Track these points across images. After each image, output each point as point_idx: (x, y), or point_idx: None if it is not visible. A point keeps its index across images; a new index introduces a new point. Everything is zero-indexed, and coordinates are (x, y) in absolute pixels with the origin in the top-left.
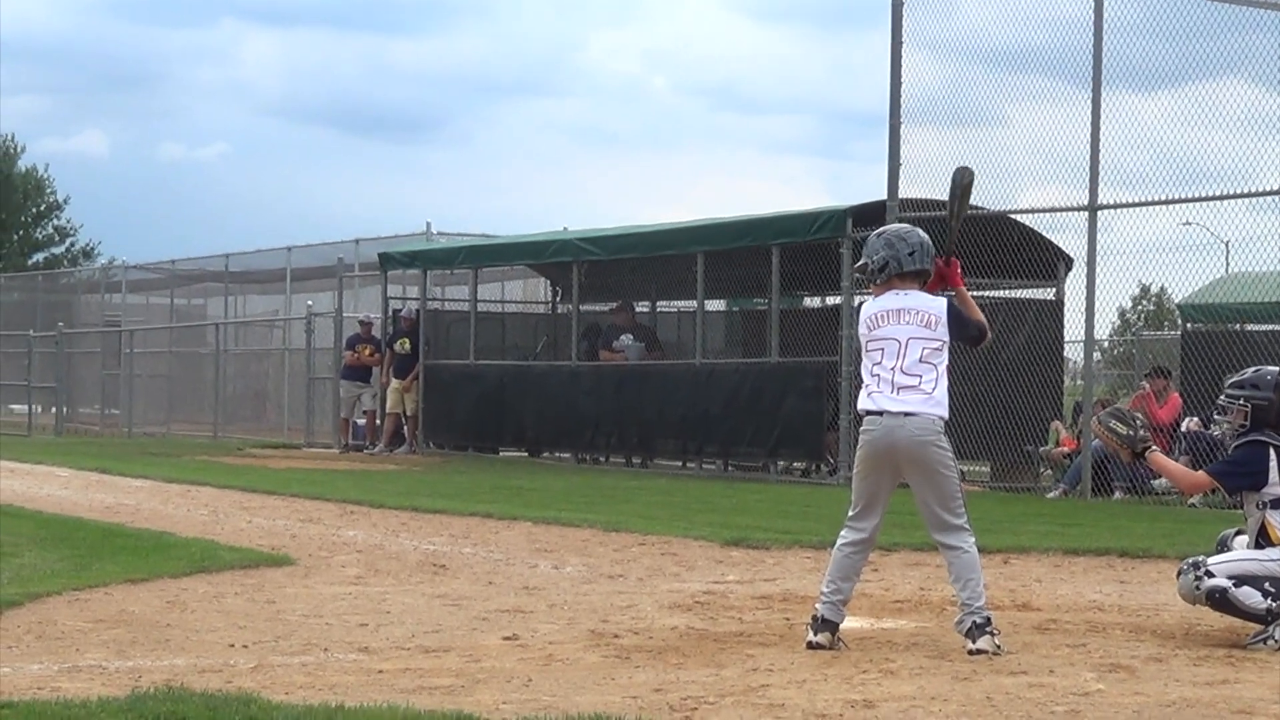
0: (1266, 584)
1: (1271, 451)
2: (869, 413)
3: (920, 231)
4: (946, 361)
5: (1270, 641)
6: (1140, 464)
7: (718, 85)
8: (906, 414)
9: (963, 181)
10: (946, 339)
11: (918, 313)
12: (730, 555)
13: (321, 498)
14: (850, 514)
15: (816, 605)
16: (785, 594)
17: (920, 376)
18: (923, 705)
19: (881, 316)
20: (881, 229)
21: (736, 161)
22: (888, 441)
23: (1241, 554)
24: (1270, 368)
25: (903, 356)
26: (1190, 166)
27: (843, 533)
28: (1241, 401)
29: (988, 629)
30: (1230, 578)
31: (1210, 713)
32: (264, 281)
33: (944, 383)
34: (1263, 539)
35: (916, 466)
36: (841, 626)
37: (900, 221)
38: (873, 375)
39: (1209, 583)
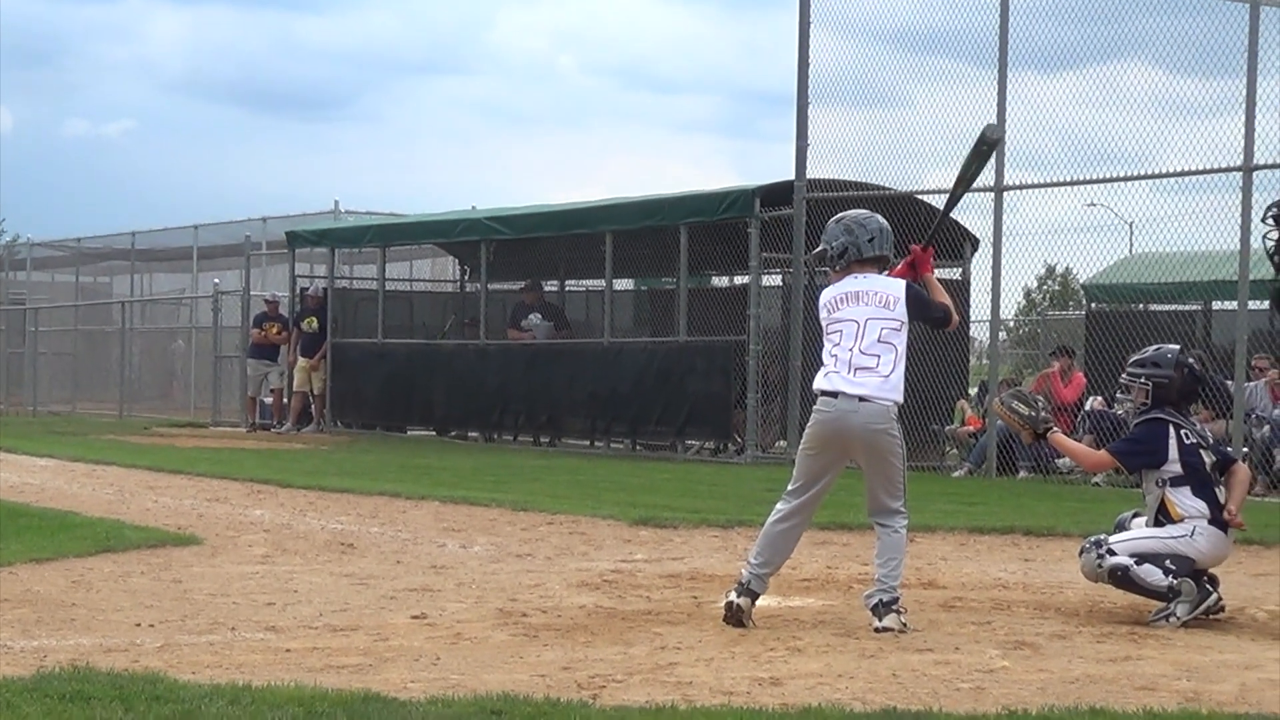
0: (1168, 561)
1: (1171, 429)
2: (824, 393)
3: (879, 218)
4: (906, 342)
5: (1172, 619)
6: (1042, 444)
7: (626, 65)
8: (861, 398)
9: (991, 138)
10: (905, 319)
11: (875, 294)
12: (638, 534)
13: (228, 477)
14: (790, 488)
15: (743, 570)
16: (693, 572)
17: (879, 358)
18: (829, 682)
19: (840, 300)
20: (840, 215)
21: (645, 140)
22: (840, 425)
23: (1142, 531)
24: (1170, 346)
25: (861, 337)
26: (1094, 148)
27: (778, 506)
28: (1143, 380)
29: (894, 607)
30: (1132, 555)
31: (1113, 689)
32: (171, 260)
33: (901, 365)
34: (1163, 516)
35: (867, 452)
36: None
37: (808, 201)
38: (831, 356)
39: (1110, 561)
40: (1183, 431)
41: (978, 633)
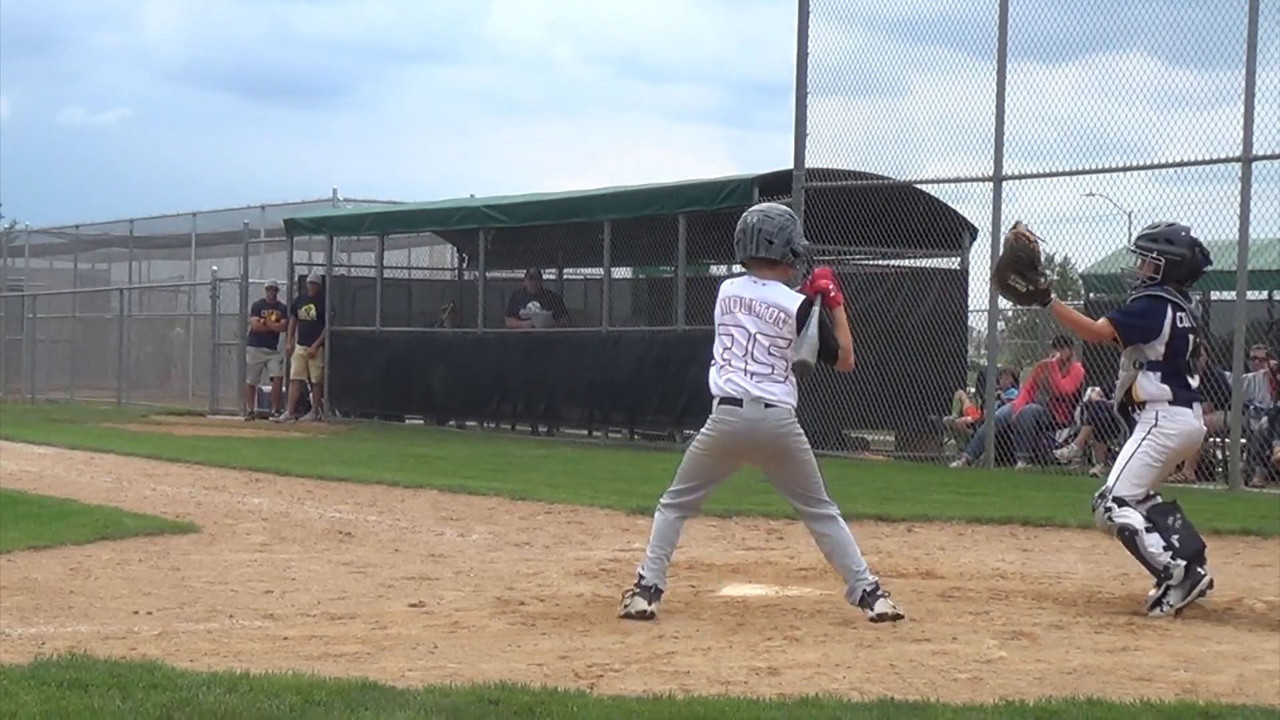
0: (1172, 519)
1: (1169, 309)
2: (727, 399)
3: (787, 215)
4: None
5: (1166, 607)
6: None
7: (622, 54)
8: (766, 404)
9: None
10: (794, 336)
11: (768, 307)
12: (636, 523)
13: (227, 465)
14: (677, 488)
15: (644, 573)
16: (690, 562)
17: (772, 367)
18: (827, 672)
19: (734, 303)
20: (755, 207)
21: (642, 129)
22: (749, 434)
23: (1123, 456)
24: (1181, 224)
25: (752, 347)
26: (1093, 138)
27: (669, 506)
28: (1155, 255)
29: (879, 593)
30: (1135, 504)
31: (1110, 679)
32: (169, 247)
33: (791, 374)
34: (1127, 399)
35: (778, 457)
36: (744, 594)
37: (807, 191)
38: (725, 359)
39: (1121, 519)
40: (1180, 314)
41: (975, 623)
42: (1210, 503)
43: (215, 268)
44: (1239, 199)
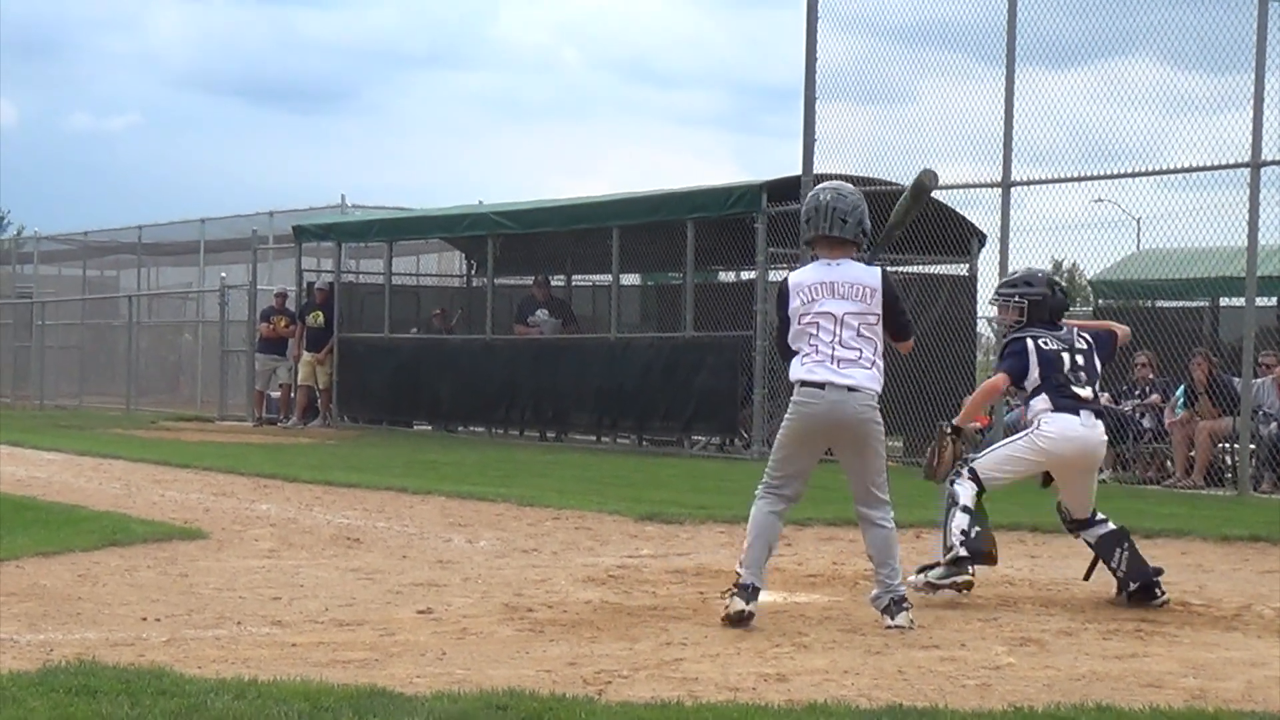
0: (976, 530)
1: (1029, 341)
2: (809, 383)
3: (858, 194)
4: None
5: (923, 575)
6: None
7: (629, 58)
8: (850, 388)
9: (927, 185)
10: (880, 311)
11: (851, 286)
12: (644, 529)
13: (235, 471)
14: (773, 481)
15: (741, 571)
16: (699, 568)
17: (860, 350)
18: (835, 679)
19: (815, 290)
20: (824, 184)
21: (649, 134)
22: (833, 416)
23: (998, 444)
24: (1036, 267)
25: (840, 330)
26: (1102, 143)
27: (766, 500)
28: (1017, 299)
29: (904, 605)
30: (977, 480)
31: (1119, 686)
32: (177, 253)
33: (881, 355)
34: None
35: (855, 442)
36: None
37: None
38: (811, 346)
39: (955, 486)
40: (1040, 340)
41: (984, 629)
42: (1219, 508)
43: (224, 274)
44: (1248, 205)
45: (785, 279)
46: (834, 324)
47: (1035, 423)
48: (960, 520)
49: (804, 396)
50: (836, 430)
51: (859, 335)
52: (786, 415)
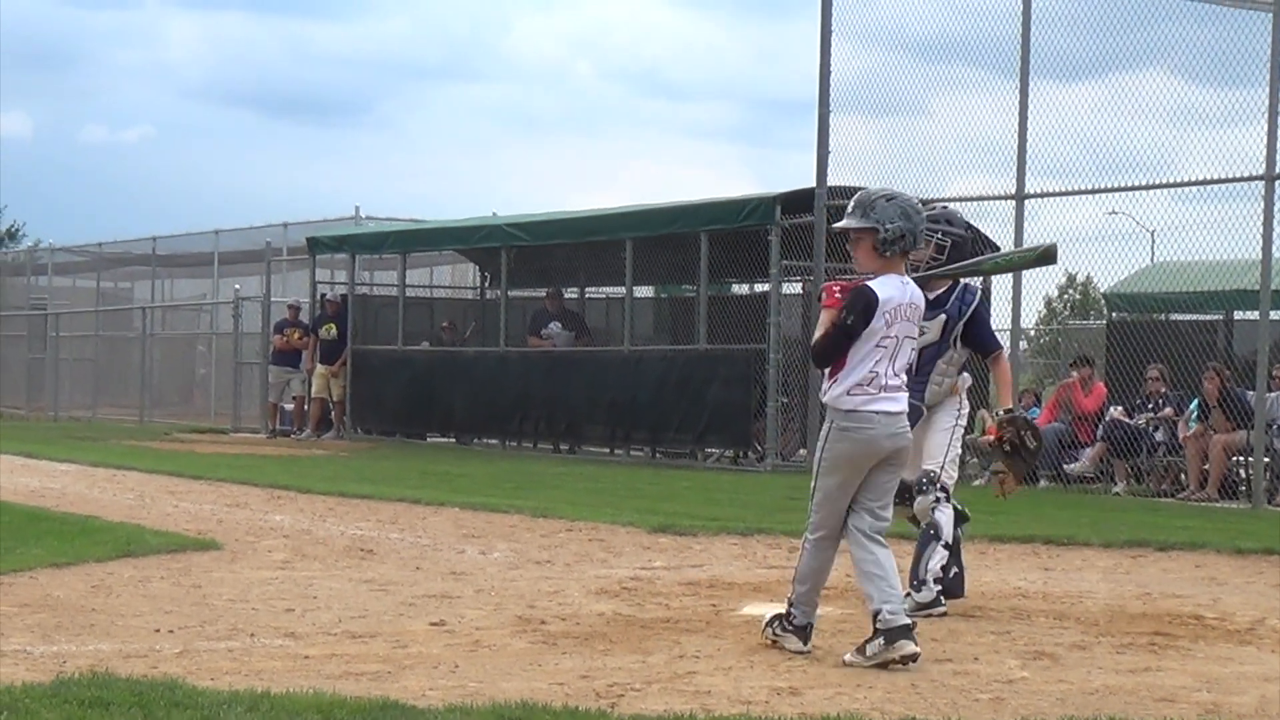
0: (953, 567)
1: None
2: (861, 411)
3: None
4: None
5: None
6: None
7: (642, 71)
8: (892, 413)
9: (1049, 258)
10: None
11: (915, 308)
12: (658, 541)
13: (249, 483)
14: (820, 516)
15: (795, 613)
16: (712, 580)
17: (902, 377)
18: (848, 692)
19: (899, 311)
20: (886, 192)
21: (662, 147)
22: (892, 443)
23: (942, 442)
24: (952, 206)
25: (896, 357)
26: (1115, 156)
27: (820, 535)
28: (940, 236)
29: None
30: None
31: (1133, 700)
32: (191, 265)
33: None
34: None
35: (895, 467)
36: (766, 613)
37: (829, 209)
38: (872, 372)
39: (941, 517)
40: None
41: (997, 643)
42: (1233, 522)
43: (238, 286)
44: (1262, 217)
45: (870, 289)
46: (895, 346)
47: (961, 399)
48: (939, 557)
49: (862, 421)
50: (882, 454)
51: (907, 357)
52: (830, 444)
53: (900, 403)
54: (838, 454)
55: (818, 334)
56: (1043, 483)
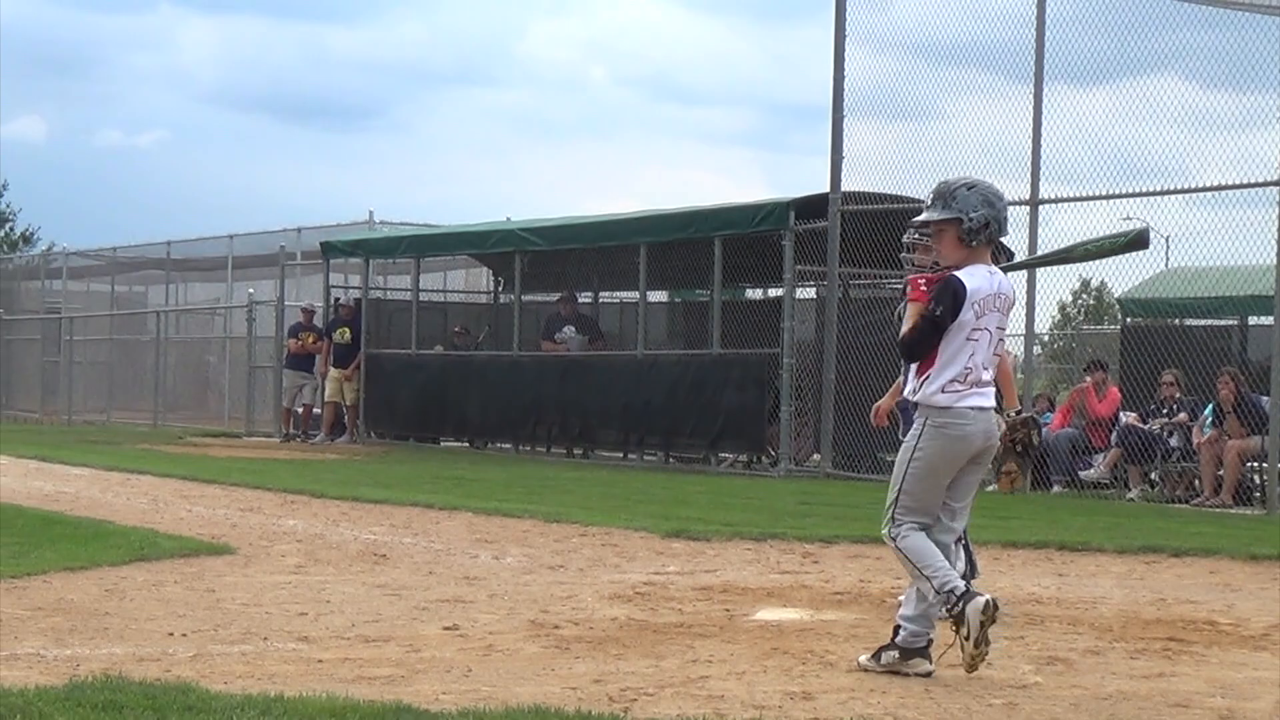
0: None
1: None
2: (956, 407)
3: None
4: None
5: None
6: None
7: (656, 76)
8: (985, 408)
9: (1141, 243)
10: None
11: (1004, 298)
12: (671, 546)
13: (262, 487)
14: (905, 513)
15: (954, 585)
16: (726, 585)
17: (988, 370)
18: (862, 697)
19: (990, 302)
20: (968, 181)
21: (676, 152)
22: (984, 440)
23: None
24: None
25: (990, 348)
26: (1130, 162)
27: (907, 527)
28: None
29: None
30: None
31: (1147, 706)
32: (206, 269)
33: None
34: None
35: (983, 462)
36: (779, 618)
37: (843, 214)
38: (965, 368)
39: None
40: None
41: (1010, 648)
42: (1247, 527)
43: (251, 290)
44: (1276, 223)
45: (958, 279)
46: (989, 341)
47: None
48: (961, 561)
49: (956, 418)
50: (976, 452)
51: (996, 352)
52: (923, 440)
53: (991, 398)
54: (933, 453)
55: (904, 328)
56: (1056, 488)
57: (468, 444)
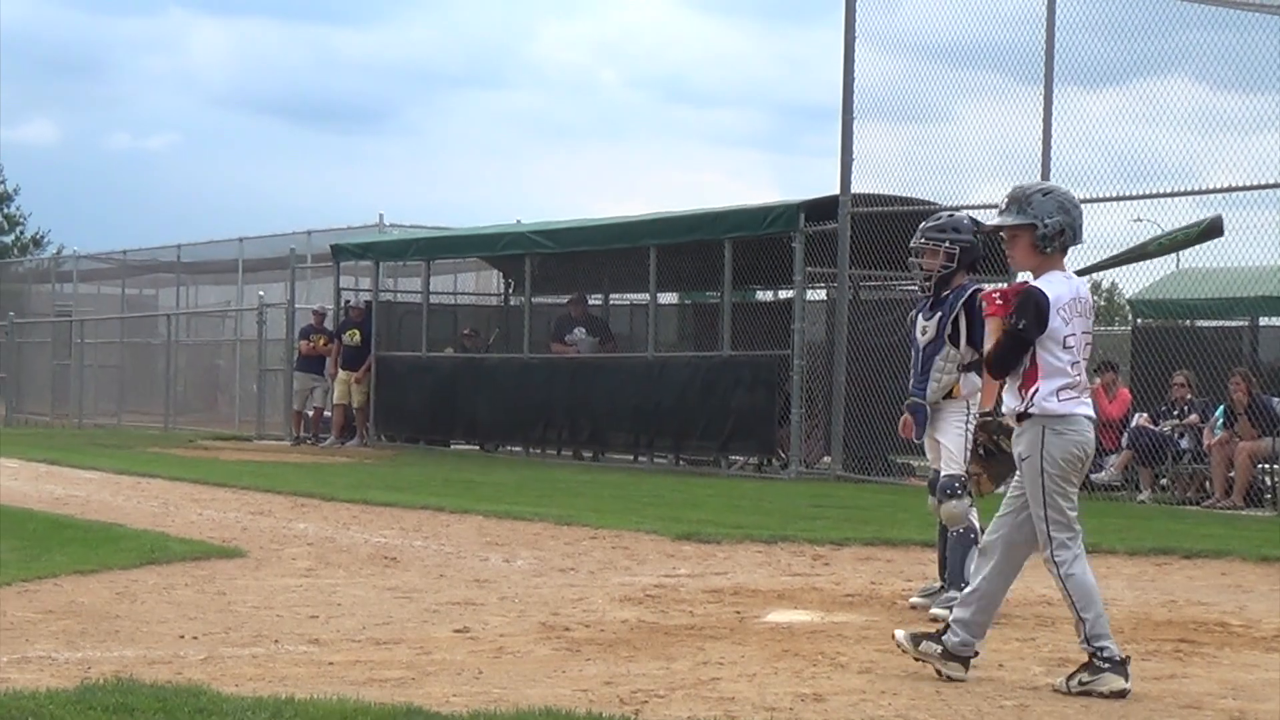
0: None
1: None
2: (1074, 415)
3: None
4: None
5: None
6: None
7: (666, 78)
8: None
9: (1215, 232)
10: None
11: (1085, 302)
12: (681, 549)
13: (272, 490)
14: (1058, 528)
15: (1105, 645)
16: (736, 587)
17: (1083, 374)
18: (872, 699)
19: (1076, 306)
20: (1043, 186)
21: (687, 154)
22: (1092, 448)
23: (958, 445)
24: (960, 213)
25: (1083, 355)
26: (1139, 164)
27: (1069, 551)
28: (948, 244)
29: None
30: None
31: (1158, 707)
32: (216, 272)
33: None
34: (946, 398)
35: (1081, 476)
36: (789, 620)
37: (853, 216)
38: (1072, 377)
39: (975, 519)
40: None
41: (1022, 649)
42: (1259, 529)
43: (262, 293)
44: None
45: (1038, 290)
46: (1081, 347)
47: (966, 406)
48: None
49: (1073, 424)
50: (1086, 464)
51: (1087, 356)
52: (1050, 455)
53: (1091, 405)
54: (1063, 458)
55: (988, 345)
56: None
57: (478, 447)
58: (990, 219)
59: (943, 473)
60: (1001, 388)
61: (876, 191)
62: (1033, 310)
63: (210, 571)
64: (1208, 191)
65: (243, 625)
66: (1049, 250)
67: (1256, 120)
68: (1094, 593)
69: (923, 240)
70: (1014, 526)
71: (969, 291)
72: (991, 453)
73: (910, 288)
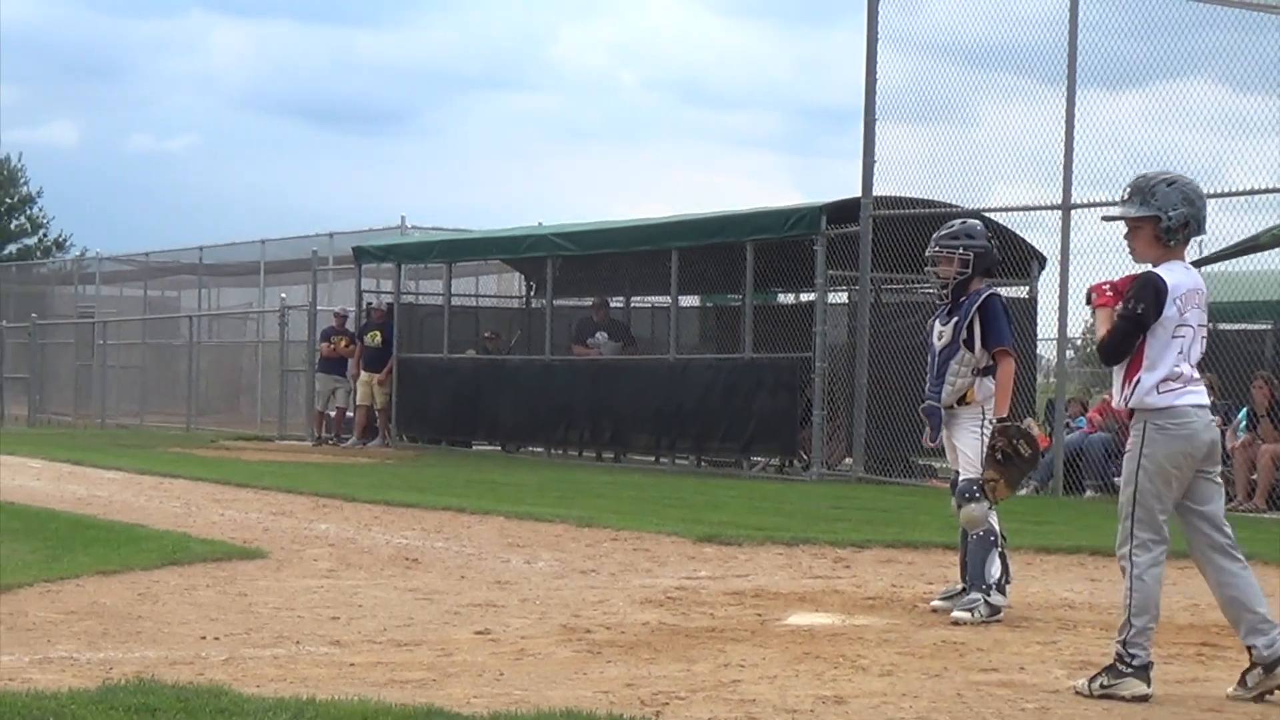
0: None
1: (999, 302)
2: (1184, 406)
3: None
4: None
5: (977, 613)
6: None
7: (686, 80)
8: (1208, 405)
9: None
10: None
11: (1203, 294)
12: (703, 551)
13: (294, 491)
14: (1142, 528)
15: (1134, 652)
16: (757, 590)
17: (1195, 367)
18: (893, 702)
19: (1192, 297)
20: (1164, 176)
21: (707, 156)
22: (1209, 435)
23: (974, 450)
24: (970, 220)
25: (1194, 348)
26: (1162, 166)
27: (1149, 554)
28: (962, 250)
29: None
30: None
31: (1180, 710)
32: (238, 274)
33: None
34: (959, 403)
35: (1213, 469)
36: (810, 622)
37: (874, 219)
38: (1179, 367)
39: (994, 521)
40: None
41: (1043, 652)
42: None
43: (284, 295)
44: None
45: (1158, 275)
46: (1192, 336)
47: (981, 411)
48: (998, 565)
49: (1181, 416)
50: (1206, 457)
51: (1201, 349)
52: (1147, 447)
53: (1205, 395)
54: (1162, 455)
55: (1100, 332)
56: (1089, 493)
57: (499, 448)
58: (1112, 210)
59: (961, 476)
60: (1000, 388)
61: (898, 194)
62: (1152, 295)
63: (232, 572)
64: (1230, 194)
65: (264, 626)
66: (1172, 243)
67: (1279, 122)
68: (1155, 605)
69: (937, 249)
70: (1193, 536)
71: (984, 295)
72: (1009, 457)
73: (930, 290)
